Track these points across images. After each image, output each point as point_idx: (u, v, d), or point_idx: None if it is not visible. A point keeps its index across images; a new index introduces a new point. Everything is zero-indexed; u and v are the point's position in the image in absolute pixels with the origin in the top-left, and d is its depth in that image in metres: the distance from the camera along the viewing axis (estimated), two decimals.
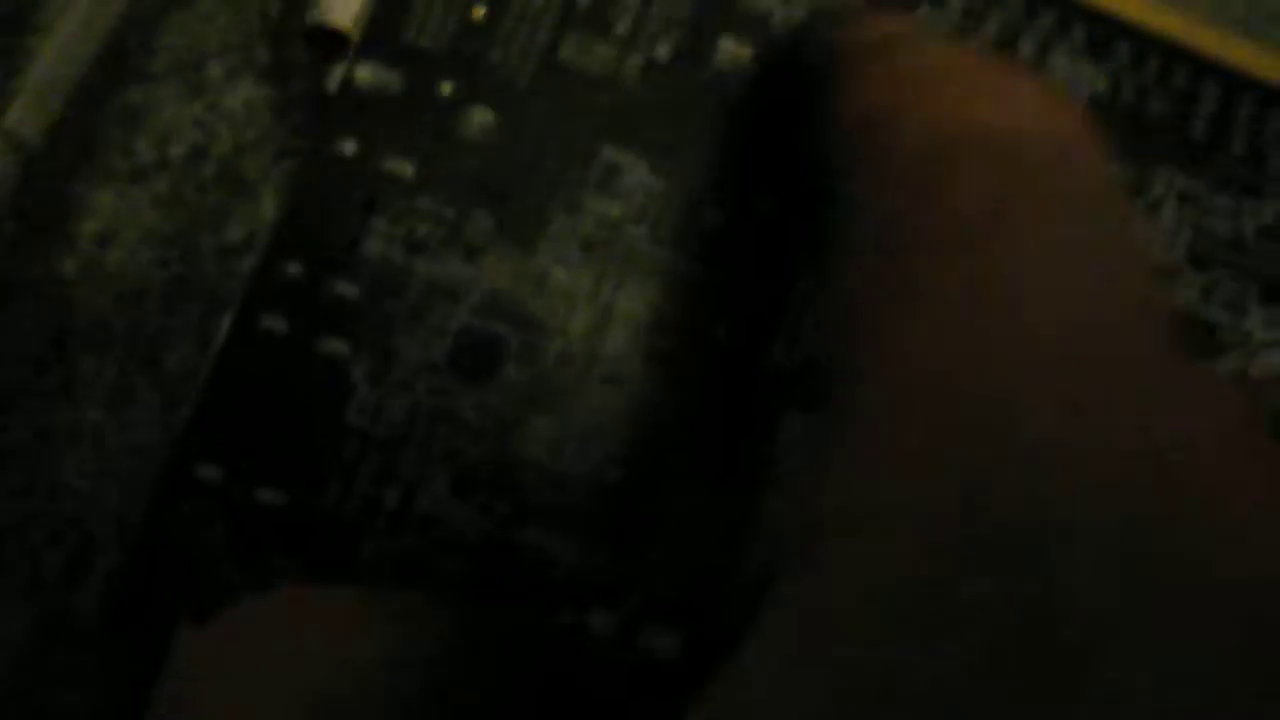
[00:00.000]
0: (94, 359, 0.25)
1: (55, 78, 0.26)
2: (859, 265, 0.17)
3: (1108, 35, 0.26)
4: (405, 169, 0.23)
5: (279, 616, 0.20)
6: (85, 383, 0.25)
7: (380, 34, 0.24)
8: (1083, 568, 0.12)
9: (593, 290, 0.24)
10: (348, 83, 0.24)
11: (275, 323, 0.23)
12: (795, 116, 0.22)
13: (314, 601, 0.21)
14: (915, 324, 0.15)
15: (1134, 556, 0.12)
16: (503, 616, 0.22)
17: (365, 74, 0.24)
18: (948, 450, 0.13)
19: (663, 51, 0.24)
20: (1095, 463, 0.13)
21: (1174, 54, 0.26)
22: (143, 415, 0.25)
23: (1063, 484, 0.13)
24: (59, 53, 0.26)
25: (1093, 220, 0.16)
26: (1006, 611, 0.12)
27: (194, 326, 0.26)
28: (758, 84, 0.24)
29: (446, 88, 0.24)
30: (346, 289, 0.23)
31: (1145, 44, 0.26)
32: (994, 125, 0.17)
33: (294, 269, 0.23)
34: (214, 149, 0.26)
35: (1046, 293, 0.15)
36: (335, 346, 0.23)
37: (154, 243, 0.26)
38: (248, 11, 0.27)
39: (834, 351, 0.16)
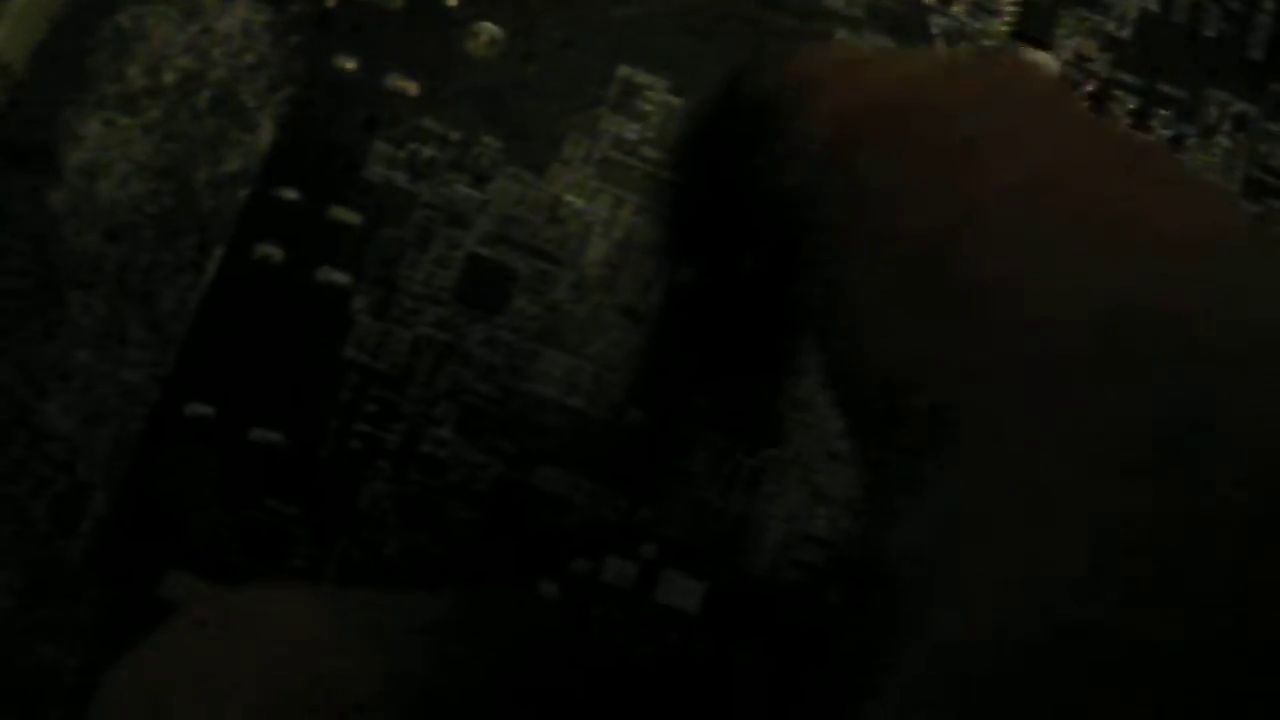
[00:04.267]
0: (82, 296, 0.24)
1: (40, 0, 0.25)
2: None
3: None
4: (409, 87, 0.22)
5: (241, 622, 0.19)
6: (73, 321, 0.24)
7: None
8: None
9: (609, 217, 0.22)
10: None
11: (271, 250, 0.22)
12: (748, 160, 0.21)
13: (278, 606, 0.19)
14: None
15: None
16: (489, 597, 0.21)
17: None
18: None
19: None
20: None
21: None
22: (134, 355, 0.24)
23: None
24: None
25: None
26: None
27: (188, 262, 0.24)
28: (706, 134, 0.23)
29: (453, 0, 0.22)
30: (346, 215, 0.22)
31: None
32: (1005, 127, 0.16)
33: (290, 193, 0.22)
34: (209, 75, 0.25)
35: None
36: (334, 276, 0.22)
37: (146, 174, 0.24)
38: None
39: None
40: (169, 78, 0.25)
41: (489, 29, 0.22)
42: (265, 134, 0.25)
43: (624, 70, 0.23)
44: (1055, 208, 0.14)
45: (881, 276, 0.15)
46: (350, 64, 0.22)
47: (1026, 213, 0.14)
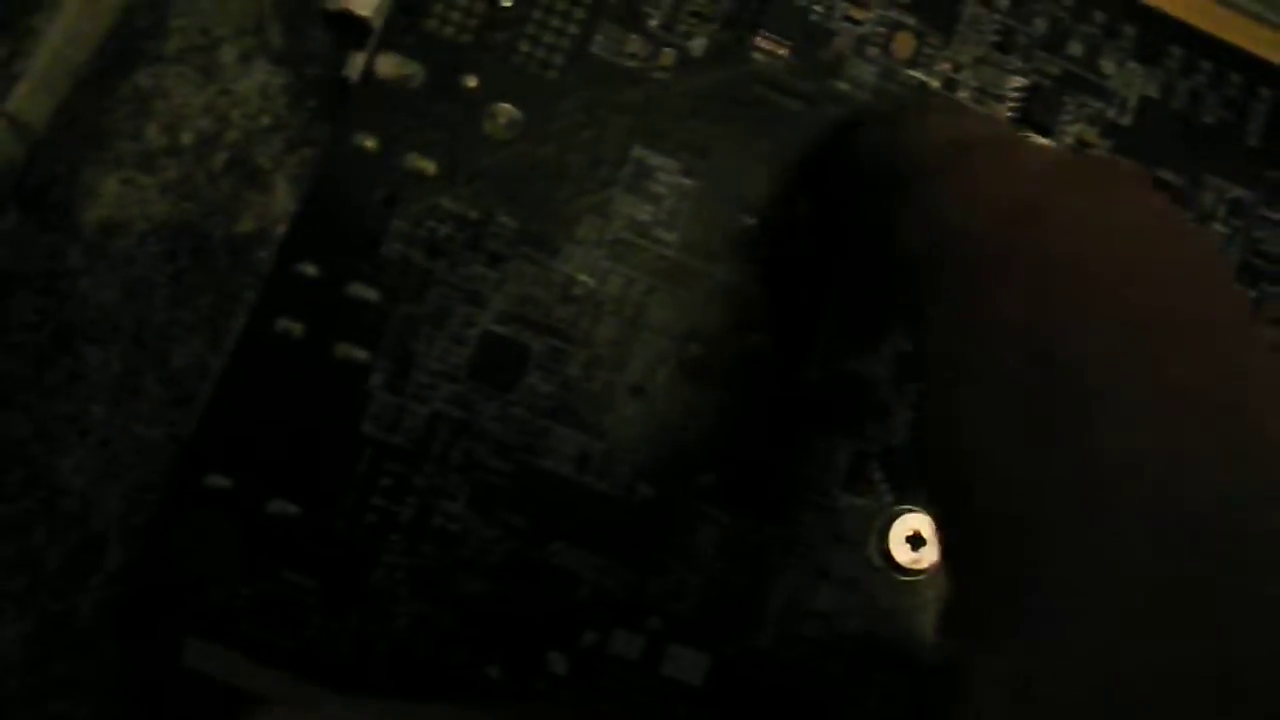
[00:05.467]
0: (99, 352, 0.24)
1: (61, 60, 0.25)
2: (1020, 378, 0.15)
3: (1159, 38, 0.25)
4: (427, 166, 0.22)
5: None
6: (89, 377, 0.24)
7: (403, 23, 0.23)
8: None
9: (620, 297, 0.23)
10: (369, 74, 0.23)
11: (290, 325, 0.22)
12: (860, 215, 0.21)
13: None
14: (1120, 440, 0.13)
15: None
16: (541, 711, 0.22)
17: (387, 65, 0.23)
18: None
19: (697, 46, 0.23)
20: None
21: (1228, 58, 0.25)
22: (149, 411, 0.24)
23: None
24: (65, 34, 0.25)
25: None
26: None
27: (203, 320, 0.25)
28: (806, 173, 0.23)
29: (471, 81, 0.23)
30: (365, 292, 0.22)
31: (1198, 47, 0.25)
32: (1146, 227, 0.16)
33: (310, 269, 0.22)
34: (226, 136, 0.25)
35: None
36: (352, 352, 0.22)
37: (163, 233, 0.25)
38: None
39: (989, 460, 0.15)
40: (187, 138, 0.25)
41: (507, 110, 0.23)
42: (281, 195, 0.25)
43: (638, 152, 0.23)
44: (1178, 388, 0.14)
45: (1000, 402, 0.15)
46: (370, 143, 0.22)
47: (1155, 383, 0.14)
